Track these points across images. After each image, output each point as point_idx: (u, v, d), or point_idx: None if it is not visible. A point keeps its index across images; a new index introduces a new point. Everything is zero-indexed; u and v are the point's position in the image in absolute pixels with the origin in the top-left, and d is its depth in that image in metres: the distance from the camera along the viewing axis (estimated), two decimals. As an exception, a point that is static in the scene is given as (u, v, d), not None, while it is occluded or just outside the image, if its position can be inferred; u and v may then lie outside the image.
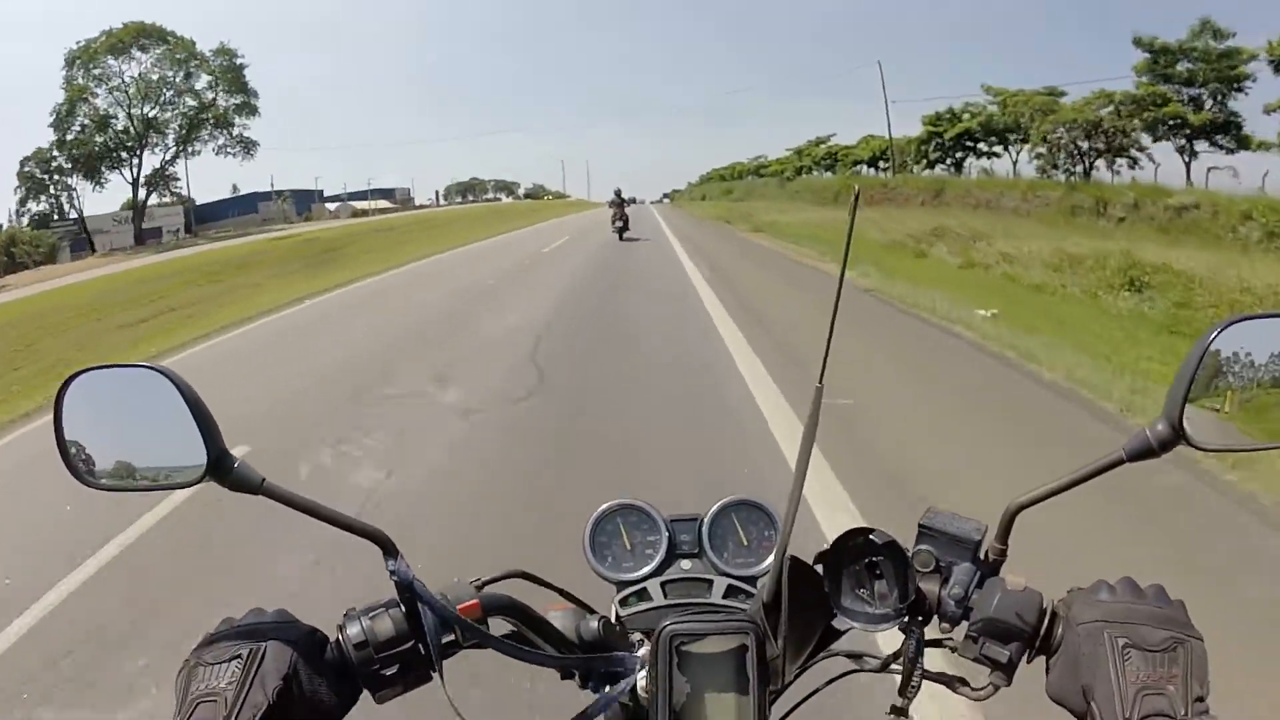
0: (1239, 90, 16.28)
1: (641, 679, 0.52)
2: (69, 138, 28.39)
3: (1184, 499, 2.49)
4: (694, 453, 3.12)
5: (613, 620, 0.58)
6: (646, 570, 0.61)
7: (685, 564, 0.62)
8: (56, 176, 29.27)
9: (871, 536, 0.51)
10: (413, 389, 4.46)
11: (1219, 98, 16.49)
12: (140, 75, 28.73)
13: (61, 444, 0.46)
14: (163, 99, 29.47)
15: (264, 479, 0.46)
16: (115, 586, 2.31)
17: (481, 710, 0.44)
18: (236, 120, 31.47)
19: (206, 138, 31.38)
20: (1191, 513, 2.43)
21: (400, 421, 3.80)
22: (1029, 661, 0.48)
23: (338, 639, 0.48)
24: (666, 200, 79.54)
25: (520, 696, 0.87)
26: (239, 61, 30.55)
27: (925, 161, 26.73)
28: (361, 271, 12.31)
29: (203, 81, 30.32)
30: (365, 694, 0.48)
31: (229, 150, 32.24)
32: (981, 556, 0.51)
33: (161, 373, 0.45)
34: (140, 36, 28.25)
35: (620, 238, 15.02)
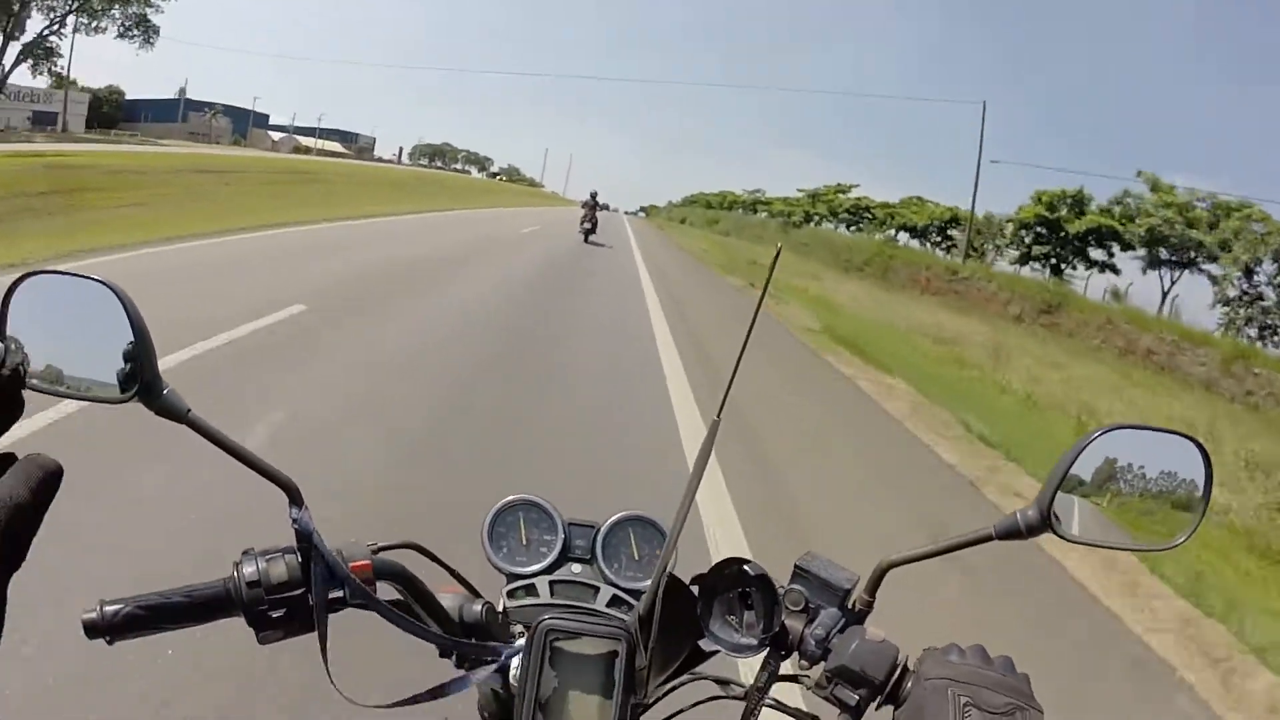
0: None
1: (515, 670, 0.59)
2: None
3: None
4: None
5: (498, 609, 0.65)
6: (538, 567, 0.68)
7: (576, 568, 0.69)
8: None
9: (746, 568, 0.59)
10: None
11: None
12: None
13: (2, 340, 0.49)
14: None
15: (189, 409, 0.50)
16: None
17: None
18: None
19: (101, 9, 27.40)
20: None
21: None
22: (877, 709, 0.56)
23: (232, 574, 0.54)
24: (642, 214, 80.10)
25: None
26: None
27: (1023, 253, 21.85)
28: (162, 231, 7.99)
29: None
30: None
31: (129, 33, 28.47)
32: (850, 605, 0.59)
33: (111, 289, 0.50)
34: None
35: (585, 239, 16.42)
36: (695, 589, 0.60)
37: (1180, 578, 3.26)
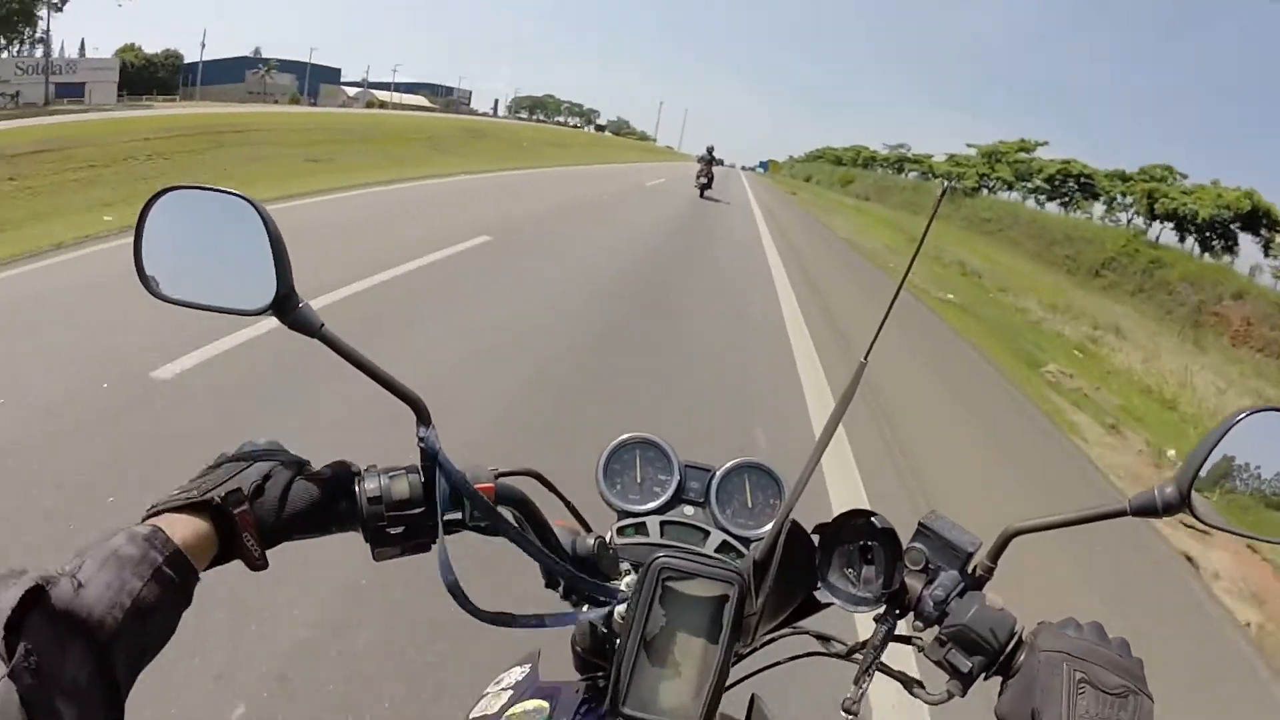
0: None
1: (620, 608, 0.63)
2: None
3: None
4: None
5: (608, 545, 0.70)
6: (651, 506, 0.73)
7: (688, 510, 0.74)
8: None
9: (873, 519, 0.62)
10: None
11: None
12: None
13: (138, 251, 0.56)
14: None
15: (323, 324, 0.55)
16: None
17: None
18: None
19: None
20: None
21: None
22: (986, 679, 0.58)
23: (354, 489, 0.59)
24: (761, 170, 78.24)
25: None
26: None
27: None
28: None
29: None
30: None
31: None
32: (970, 569, 0.61)
33: (250, 203, 0.54)
34: None
35: (701, 194, 18.17)
36: (815, 538, 0.63)
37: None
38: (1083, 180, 36.73)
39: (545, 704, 0.68)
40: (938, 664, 0.60)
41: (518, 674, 0.76)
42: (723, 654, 0.57)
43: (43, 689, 0.38)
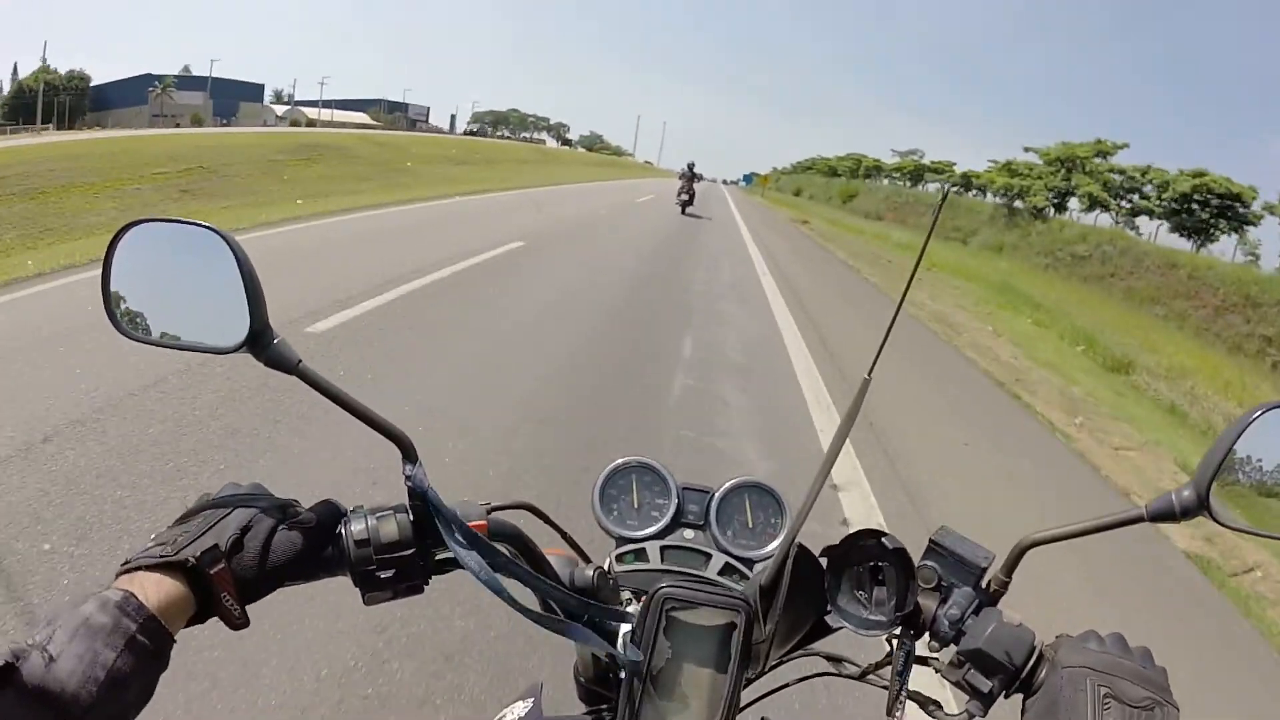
0: None
1: (623, 637, 0.65)
2: None
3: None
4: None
5: (607, 573, 0.73)
6: (649, 531, 0.78)
7: (688, 534, 0.79)
8: None
9: (883, 540, 0.65)
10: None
11: None
12: None
13: (105, 289, 0.59)
14: None
15: (300, 360, 0.57)
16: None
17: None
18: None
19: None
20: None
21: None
22: (1007, 697, 0.62)
23: (339, 532, 0.61)
24: (745, 184, 78.32)
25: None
26: None
27: None
28: None
29: None
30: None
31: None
32: (984, 585, 0.65)
33: (220, 235, 0.57)
34: None
35: (683, 211, 19.46)
36: (823, 561, 0.66)
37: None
38: (1224, 202, 27.88)
39: None
40: (956, 684, 0.63)
41: (520, 709, 0.78)
42: (732, 684, 0.60)
43: None
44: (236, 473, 2.86)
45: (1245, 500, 0.62)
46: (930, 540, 0.67)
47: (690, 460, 3.63)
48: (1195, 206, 29.13)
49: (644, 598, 0.64)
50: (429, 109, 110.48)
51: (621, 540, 0.78)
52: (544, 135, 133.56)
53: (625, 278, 8.56)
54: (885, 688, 0.65)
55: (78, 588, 2.12)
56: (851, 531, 0.66)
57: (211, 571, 0.54)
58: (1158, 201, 30.88)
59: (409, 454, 0.61)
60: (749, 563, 0.76)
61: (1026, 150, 35.80)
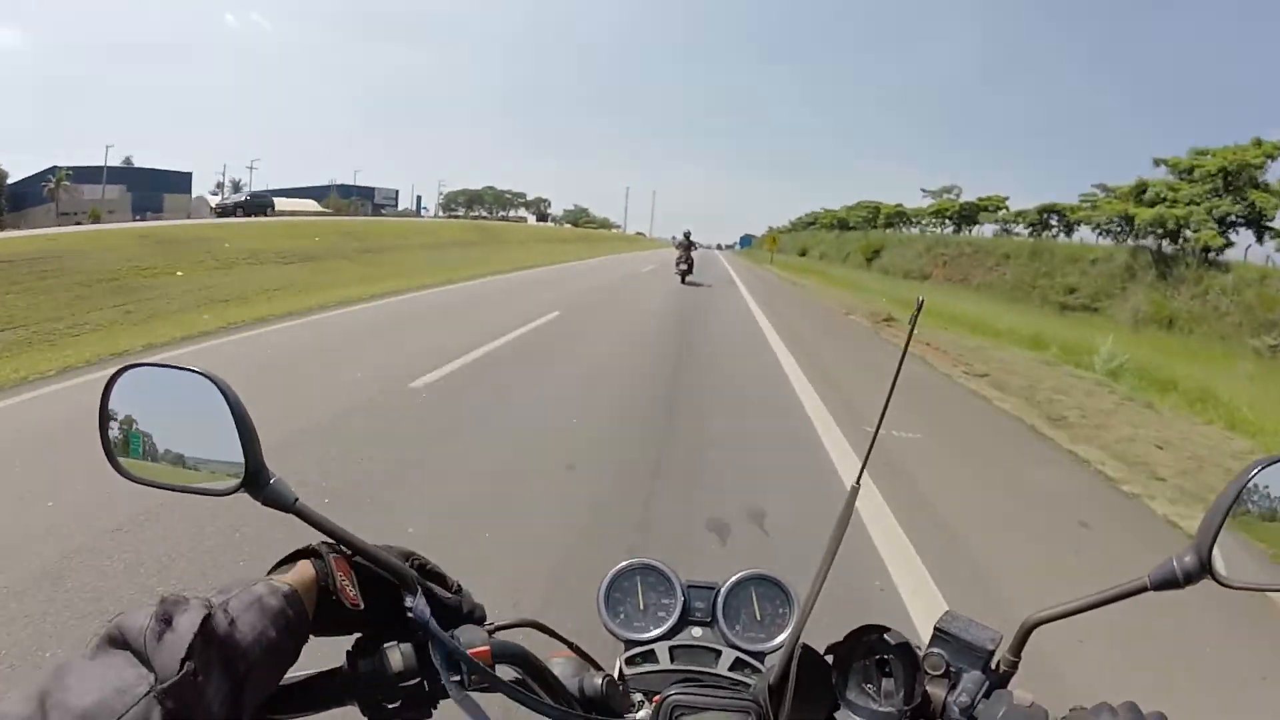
0: None
1: None
2: None
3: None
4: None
5: (616, 678, 0.80)
6: (657, 632, 0.85)
7: (696, 631, 0.85)
8: None
9: (886, 636, 0.71)
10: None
11: None
12: None
13: (103, 431, 0.67)
14: None
15: (297, 499, 0.65)
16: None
17: None
18: None
19: None
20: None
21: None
22: None
23: (344, 665, 0.68)
24: (742, 247, 78.00)
25: None
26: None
27: None
28: None
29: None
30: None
31: None
32: (993, 666, 0.71)
33: (212, 380, 0.65)
34: None
35: (683, 280, 21.24)
36: (829, 658, 0.72)
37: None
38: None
39: None
40: None
41: None
42: None
43: (187, 710, 0.50)
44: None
45: (1250, 558, 0.66)
46: (936, 627, 0.73)
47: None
48: None
49: (656, 699, 0.70)
50: (398, 192, 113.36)
51: (630, 643, 0.84)
52: (524, 213, 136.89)
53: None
54: None
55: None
56: (854, 628, 0.73)
57: (333, 559, 0.67)
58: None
59: (409, 586, 0.68)
60: (760, 656, 0.82)
61: (1159, 163, 28.56)
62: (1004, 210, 45.43)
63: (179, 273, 14.75)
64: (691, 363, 8.76)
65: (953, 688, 0.70)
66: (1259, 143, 25.81)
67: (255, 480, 0.64)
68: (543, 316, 11.67)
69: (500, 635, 0.74)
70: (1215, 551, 0.63)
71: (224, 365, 9.24)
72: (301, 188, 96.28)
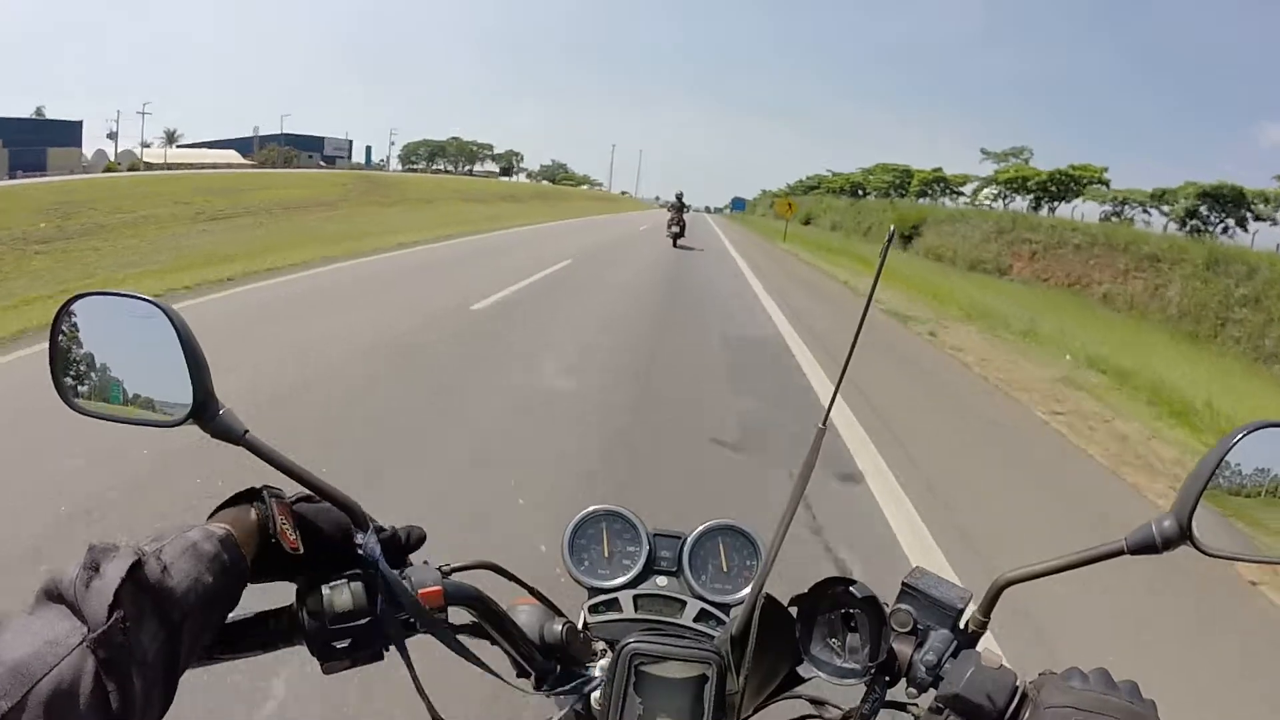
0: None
1: (598, 691, 0.79)
2: None
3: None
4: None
5: (579, 627, 0.87)
6: (621, 581, 0.91)
7: (661, 580, 0.92)
8: None
9: (852, 589, 0.77)
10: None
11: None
12: None
13: (53, 362, 0.72)
14: None
15: (246, 430, 0.70)
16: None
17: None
18: None
19: None
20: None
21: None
22: None
23: (293, 604, 0.73)
24: (735, 210, 75.40)
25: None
26: None
27: None
28: None
29: None
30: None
31: None
32: (962, 626, 0.77)
33: (160, 308, 0.69)
34: None
35: (674, 244, 23.03)
36: (793, 610, 0.78)
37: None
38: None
39: None
40: None
41: None
42: None
43: (120, 658, 0.54)
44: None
45: (1229, 525, 0.72)
46: (904, 583, 0.79)
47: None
48: None
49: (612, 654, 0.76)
50: (351, 142, 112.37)
51: (593, 591, 0.91)
52: (492, 167, 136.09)
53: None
54: None
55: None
56: (819, 580, 0.78)
57: (274, 502, 0.73)
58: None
59: (359, 521, 0.74)
60: (725, 607, 0.89)
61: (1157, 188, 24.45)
62: (1101, 185, 39.31)
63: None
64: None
65: (919, 645, 0.76)
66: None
67: (203, 411, 0.69)
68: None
69: (457, 577, 0.79)
70: (1195, 518, 0.68)
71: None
72: (231, 139, 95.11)
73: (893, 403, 6.92)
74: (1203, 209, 33.96)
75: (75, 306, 0.74)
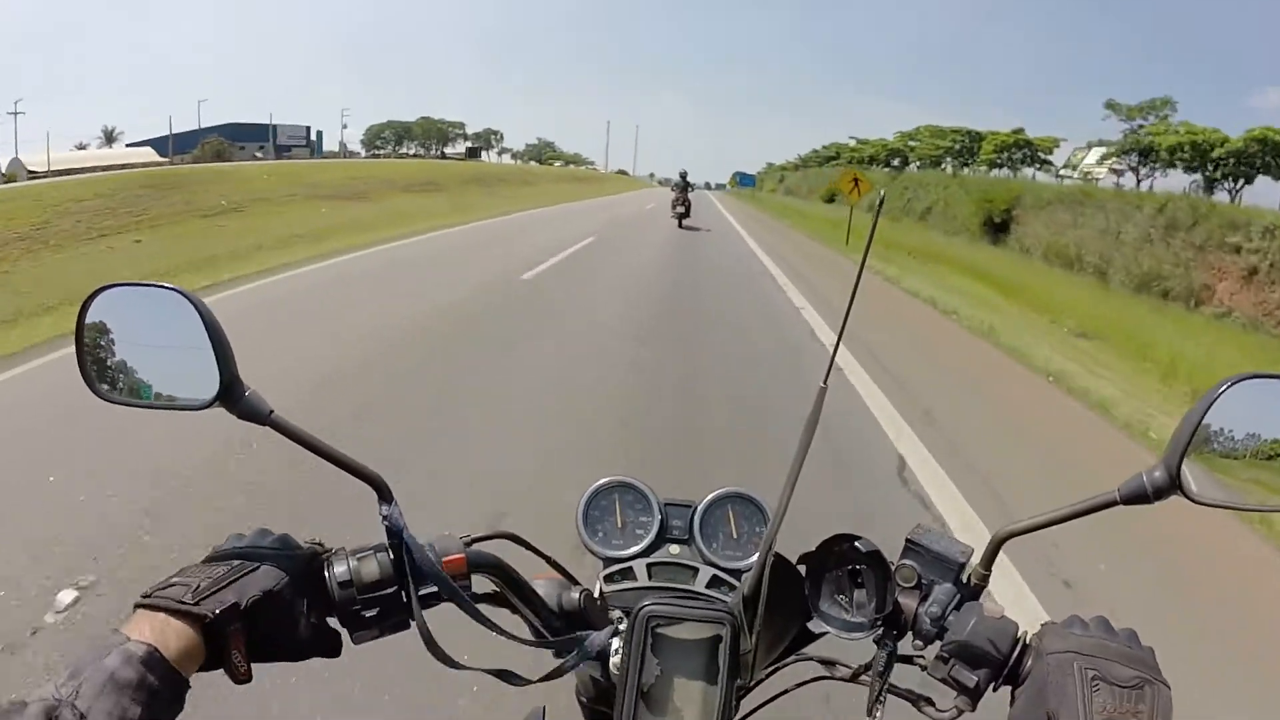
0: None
1: (615, 657, 0.90)
2: None
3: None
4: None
5: (595, 595, 1.01)
6: (634, 550, 1.04)
7: (674, 549, 1.05)
8: None
9: (857, 544, 0.89)
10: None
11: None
12: None
13: (80, 353, 0.84)
14: None
15: (272, 410, 0.81)
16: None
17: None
18: None
19: None
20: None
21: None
22: (995, 690, 0.83)
23: (323, 574, 0.85)
24: (745, 186, 75.39)
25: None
26: None
27: None
28: None
29: None
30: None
31: None
32: (964, 579, 0.89)
33: (184, 295, 0.81)
34: None
35: (679, 224, 25.12)
36: (802, 568, 0.90)
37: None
38: None
39: None
40: (943, 681, 0.85)
41: None
42: (723, 695, 0.83)
43: None
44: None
45: (1218, 474, 0.81)
46: (907, 539, 0.91)
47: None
48: None
49: (630, 617, 0.88)
50: (309, 129, 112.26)
51: (608, 560, 1.03)
52: (480, 150, 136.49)
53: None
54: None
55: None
56: (826, 537, 0.91)
57: (228, 630, 0.76)
58: None
59: (384, 494, 0.86)
60: (736, 573, 1.01)
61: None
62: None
63: None
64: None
65: (924, 599, 0.88)
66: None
67: (229, 394, 0.80)
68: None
69: (477, 547, 0.92)
70: (1184, 468, 0.78)
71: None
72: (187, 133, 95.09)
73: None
74: None
75: (100, 298, 0.86)
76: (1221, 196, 33.40)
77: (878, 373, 7.98)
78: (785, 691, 0.98)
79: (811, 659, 0.96)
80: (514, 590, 0.94)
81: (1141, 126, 40.94)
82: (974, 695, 0.83)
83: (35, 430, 5.72)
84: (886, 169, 60.00)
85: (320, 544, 0.88)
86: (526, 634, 0.97)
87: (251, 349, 7.63)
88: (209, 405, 0.81)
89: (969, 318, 12.46)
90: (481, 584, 0.92)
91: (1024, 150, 49.63)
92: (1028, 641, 0.83)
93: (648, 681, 0.84)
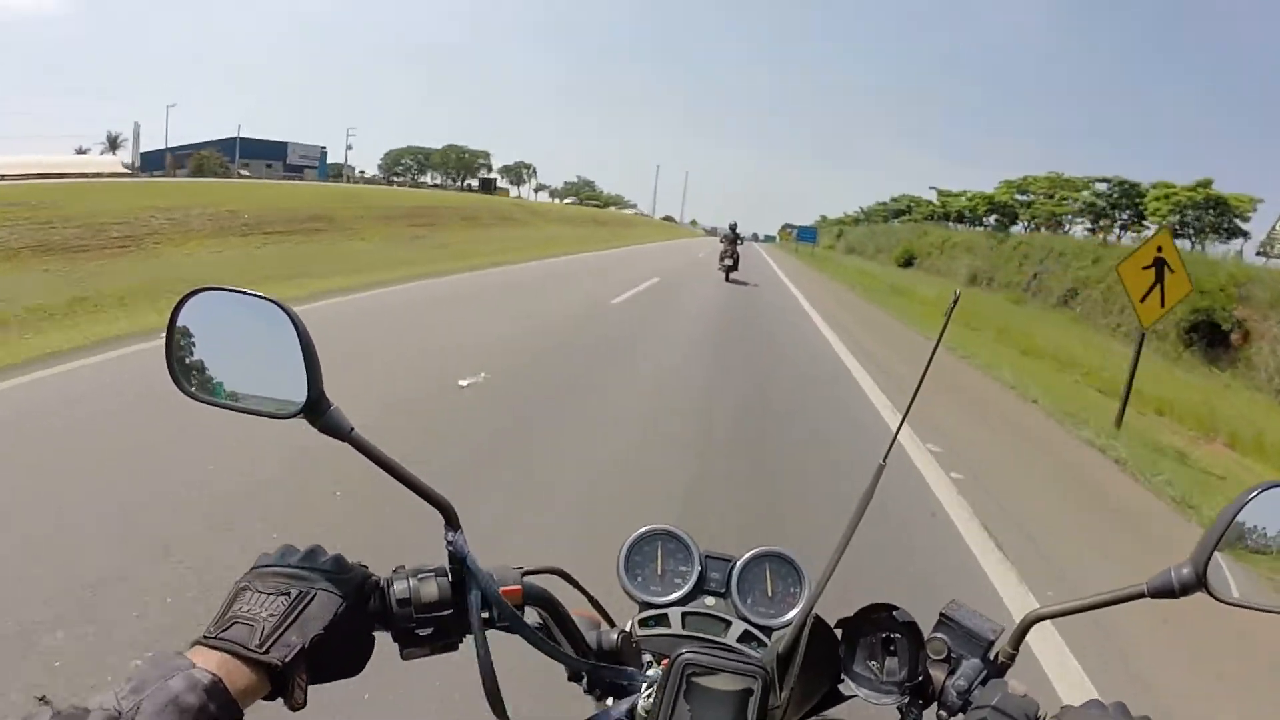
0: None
1: (644, 699, 1.02)
2: None
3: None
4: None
5: (631, 637, 1.15)
6: (672, 598, 1.19)
7: (709, 600, 1.20)
8: None
9: (894, 614, 1.02)
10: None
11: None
12: None
13: (170, 351, 0.93)
14: None
15: (353, 428, 0.91)
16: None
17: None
18: None
19: None
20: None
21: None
22: None
23: (382, 592, 0.96)
24: (805, 240, 74.96)
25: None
26: None
27: None
28: None
29: None
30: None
31: None
32: (992, 656, 1.00)
33: (282, 308, 0.90)
34: None
35: (727, 278, 27.05)
36: (838, 631, 1.02)
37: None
38: None
39: None
40: None
41: None
42: None
43: None
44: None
45: (1244, 576, 0.92)
46: (941, 613, 1.03)
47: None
48: None
49: (665, 662, 0.98)
50: (324, 149, 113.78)
51: (645, 605, 1.17)
52: (499, 180, 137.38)
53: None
54: None
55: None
56: (864, 605, 1.02)
57: (294, 672, 0.84)
58: None
59: (451, 520, 0.97)
60: (767, 630, 1.14)
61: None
62: None
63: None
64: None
65: (952, 672, 0.99)
66: None
67: (315, 407, 0.89)
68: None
69: (530, 579, 1.04)
70: (1210, 567, 0.88)
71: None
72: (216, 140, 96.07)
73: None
74: None
75: (195, 299, 0.96)
76: None
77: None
78: None
79: (838, 719, 1.07)
80: (559, 624, 1.08)
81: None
82: None
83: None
84: (980, 228, 53.00)
85: (365, 567, 0.98)
86: (558, 669, 1.09)
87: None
88: (293, 415, 0.90)
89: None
90: (530, 616, 1.04)
91: (1214, 210, 38.31)
92: None
93: None
